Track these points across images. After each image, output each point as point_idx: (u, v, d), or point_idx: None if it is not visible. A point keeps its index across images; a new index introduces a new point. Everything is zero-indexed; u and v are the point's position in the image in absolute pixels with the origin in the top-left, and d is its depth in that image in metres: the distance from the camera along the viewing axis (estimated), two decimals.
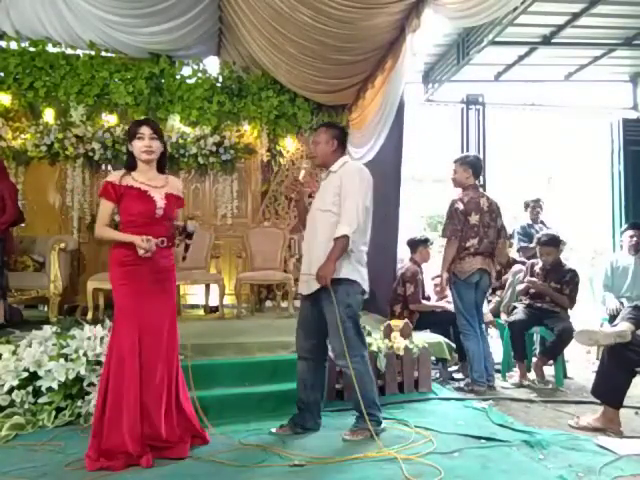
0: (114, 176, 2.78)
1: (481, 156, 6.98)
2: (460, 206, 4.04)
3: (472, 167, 4.13)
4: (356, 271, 3.00)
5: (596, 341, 3.22)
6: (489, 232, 4.10)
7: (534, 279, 4.46)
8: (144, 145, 2.71)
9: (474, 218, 4.04)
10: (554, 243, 4.49)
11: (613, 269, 5.10)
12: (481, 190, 4.22)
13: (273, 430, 3.03)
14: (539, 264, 4.58)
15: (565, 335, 4.16)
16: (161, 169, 2.87)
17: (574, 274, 4.47)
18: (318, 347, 3.10)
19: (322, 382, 3.19)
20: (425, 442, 2.89)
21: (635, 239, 5.00)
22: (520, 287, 4.62)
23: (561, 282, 4.45)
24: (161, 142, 2.80)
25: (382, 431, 2.99)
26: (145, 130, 2.72)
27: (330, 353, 3.25)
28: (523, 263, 5.02)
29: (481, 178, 6.93)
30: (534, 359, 4.53)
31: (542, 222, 5.69)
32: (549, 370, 4.36)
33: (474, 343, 4.06)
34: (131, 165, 2.80)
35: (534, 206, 5.71)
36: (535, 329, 4.51)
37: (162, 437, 2.65)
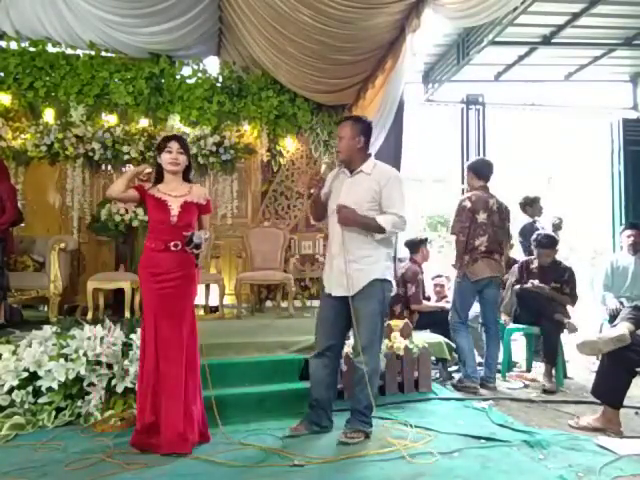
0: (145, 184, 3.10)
1: (481, 156, 7.00)
2: (467, 204, 4.13)
3: (473, 170, 4.29)
4: (391, 271, 3.08)
5: (599, 350, 3.21)
6: (499, 232, 4.18)
7: (542, 285, 4.42)
8: (171, 157, 2.96)
9: (482, 216, 4.12)
10: (554, 244, 4.50)
11: (613, 269, 5.11)
12: (491, 192, 4.28)
13: (288, 430, 3.00)
14: (534, 263, 4.58)
15: (546, 338, 4.29)
16: (187, 180, 3.09)
17: (571, 272, 4.52)
18: (338, 346, 3.12)
19: (336, 381, 3.21)
20: (425, 442, 2.90)
21: (633, 239, 5.02)
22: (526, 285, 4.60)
23: (560, 281, 4.49)
24: (187, 157, 3.04)
25: (371, 432, 2.99)
26: (173, 145, 2.97)
27: (346, 349, 3.41)
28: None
29: None
30: (534, 362, 4.54)
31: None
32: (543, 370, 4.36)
33: (465, 339, 4.16)
34: (158, 176, 3.04)
35: (538, 204, 5.63)
36: (535, 329, 4.52)
37: (179, 430, 2.74)
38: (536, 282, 4.46)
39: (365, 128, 3.09)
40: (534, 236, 4.64)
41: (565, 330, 4.27)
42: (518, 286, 4.59)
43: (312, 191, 3.17)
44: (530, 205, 5.56)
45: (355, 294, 2.95)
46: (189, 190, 3.03)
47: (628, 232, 5.10)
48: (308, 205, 3.32)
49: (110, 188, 3.00)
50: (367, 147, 3.11)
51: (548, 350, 4.27)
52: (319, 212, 3.20)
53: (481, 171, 4.25)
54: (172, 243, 2.88)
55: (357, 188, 2.99)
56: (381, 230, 2.93)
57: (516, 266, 4.84)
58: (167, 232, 2.90)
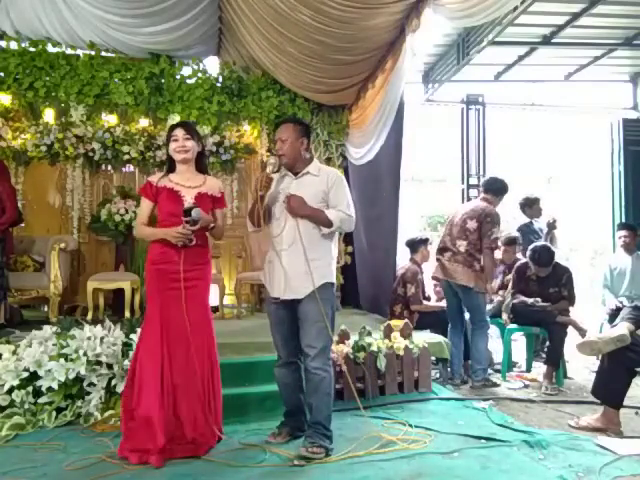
0: (154, 177, 2.97)
1: (481, 156, 7.01)
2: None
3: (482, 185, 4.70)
4: (334, 273, 2.98)
5: (598, 350, 3.21)
6: (453, 231, 4.39)
7: (545, 305, 4.41)
8: (178, 145, 2.87)
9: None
10: (551, 261, 4.45)
11: (611, 270, 5.13)
12: (473, 199, 4.59)
13: (271, 440, 2.91)
14: (532, 269, 4.55)
15: (553, 341, 4.28)
16: (201, 170, 2.99)
17: (569, 274, 4.51)
18: (297, 349, 2.96)
19: (303, 384, 3.03)
20: (425, 442, 2.90)
21: (624, 239, 5.05)
22: (516, 301, 4.59)
23: (559, 285, 4.48)
24: (197, 142, 2.93)
25: (332, 450, 2.78)
26: (178, 132, 2.89)
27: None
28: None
29: (481, 178, 6.98)
30: (534, 362, 4.53)
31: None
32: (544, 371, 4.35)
33: (453, 343, 4.36)
34: (170, 168, 2.95)
35: (537, 205, 5.61)
36: (535, 329, 4.53)
37: (186, 436, 2.70)
38: (530, 300, 4.45)
39: (306, 129, 3.03)
40: (530, 252, 4.52)
41: (581, 335, 4.18)
42: (514, 301, 4.58)
43: (261, 193, 2.87)
44: (529, 206, 5.55)
45: (305, 297, 2.82)
46: (203, 181, 2.94)
47: (620, 232, 5.13)
48: (249, 209, 3.06)
49: (139, 231, 2.95)
50: (308, 149, 3.03)
51: (554, 353, 4.26)
52: (261, 216, 2.93)
53: (484, 185, 4.60)
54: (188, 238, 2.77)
55: (306, 190, 2.89)
56: (329, 224, 2.86)
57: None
58: (179, 225, 2.75)
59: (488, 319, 4.39)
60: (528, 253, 4.56)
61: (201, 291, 2.87)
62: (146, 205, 2.91)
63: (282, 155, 2.93)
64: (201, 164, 3.00)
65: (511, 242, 5.22)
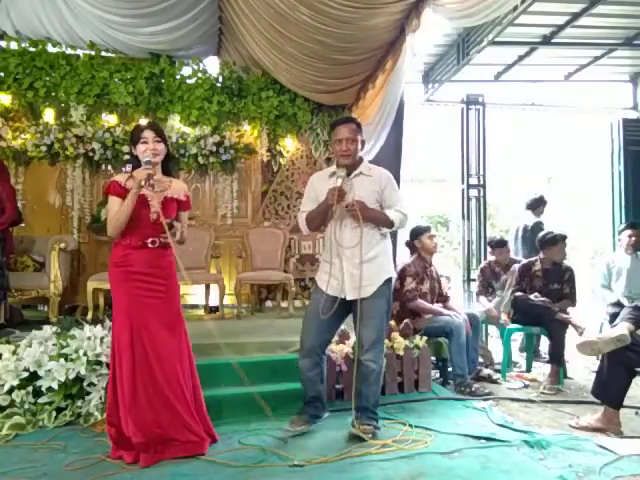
0: (120, 177, 2.87)
1: (481, 156, 7.01)
2: None
3: None
4: (393, 267, 3.15)
5: (598, 350, 3.22)
6: None
7: (534, 297, 4.44)
8: (148, 149, 2.78)
9: None
10: (557, 242, 4.50)
11: (609, 269, 5.13)
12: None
13: (289, 428, 3.00)
14: (536, 266, 4.57)
15: (553, 339, 4.27)
16: (166, 171, 2.93)
17: (572, 272, 4.55)
18: (327, 343, 3.16)
19: (325, 374, 3.18)
20: (425, 442, 2.90)
21: (635, 239, 5.04)
22: (518, 294, 4.60)
23: (562, 282, 4.51)
24: (165, 144, 2.86)
25: (380, 429, 3.02)
26: (148, 134, 2.80)
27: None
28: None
29: (481, 178, 6.98)
30: (534, 362, 4.52)
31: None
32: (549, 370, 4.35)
33: None
34: (135, 168, 2.86)
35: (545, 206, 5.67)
36: (535, 329, 4.53)
37: (167, 434, 2.68)
38: (533, 296, 4.46)
39: (361, 130, 3.12)
40: (541, 236, 4.62)
41: (578, 333, 4.17)
42: (516, 294, 4.59)
43: (334, 208, 2.91)
44: (544, 205, 5.61)
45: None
46: (169, 184, 2.89)
47: (629, 232, 5.12)
48: (308, 216, 3.10)
49: (115, 222, 2.73)
50: None
51: (556, 351, 4.24)
52: (322, 222, 3.07)
53: None
54: (150, 239, 2.76)
55: (361, 190, 2.98)
56: (390, 224, 3.00)
57: (517, 266, 4.84)
58: (145, 227, 2.75)
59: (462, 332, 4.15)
60: (540, 237, 4.64)
61: (170, 292, 2.85)
62: (116, 201, 2.78)
63: (347, 155, 2.99)
64: (167, 166, 2.93)
65: (498, 245, 5.18)
